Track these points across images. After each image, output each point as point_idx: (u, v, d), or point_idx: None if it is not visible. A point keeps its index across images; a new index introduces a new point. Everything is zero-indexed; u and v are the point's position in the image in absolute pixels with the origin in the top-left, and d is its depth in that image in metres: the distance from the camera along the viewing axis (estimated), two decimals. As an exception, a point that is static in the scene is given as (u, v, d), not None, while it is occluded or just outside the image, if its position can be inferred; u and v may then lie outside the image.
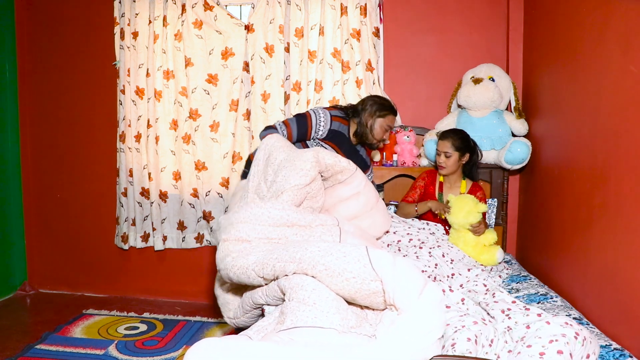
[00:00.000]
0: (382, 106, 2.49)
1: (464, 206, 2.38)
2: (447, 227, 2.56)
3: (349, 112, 2.53)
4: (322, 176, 2.02)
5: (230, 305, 1.94)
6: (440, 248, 2.26)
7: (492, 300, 1.76)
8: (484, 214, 2.46)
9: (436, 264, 2.15)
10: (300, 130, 2.40)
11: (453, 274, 2.15)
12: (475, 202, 2.40)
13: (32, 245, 3.84)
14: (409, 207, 2.66)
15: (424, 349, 1.21)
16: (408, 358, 1.19)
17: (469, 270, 2.18)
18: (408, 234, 2.39)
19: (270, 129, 2.42)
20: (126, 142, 3.49)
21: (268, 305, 1.62)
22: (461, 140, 2.58)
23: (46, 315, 3.35)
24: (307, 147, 2.46)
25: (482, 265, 2.37)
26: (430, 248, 2.25)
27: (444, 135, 2.62)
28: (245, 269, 1.58)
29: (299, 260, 1.44)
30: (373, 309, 1.49)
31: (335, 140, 2.48)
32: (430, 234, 2.46)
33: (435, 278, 2.04)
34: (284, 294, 1.45)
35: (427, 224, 2.56)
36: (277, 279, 1.53)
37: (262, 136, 2.35)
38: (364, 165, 2.64)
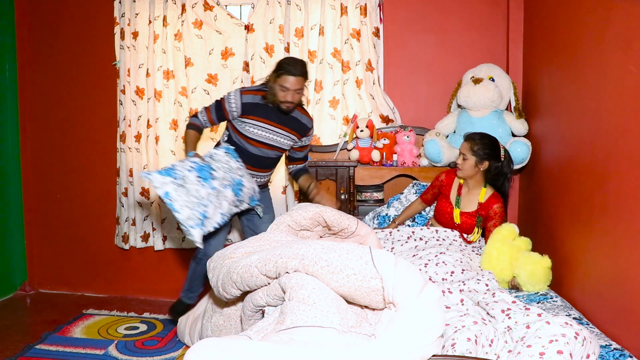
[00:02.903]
0: (279, 66, 2.53)
1: (537, 278, 2.15)
2: (462, 234, 2.53)
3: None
4: (330, 230, 2.20)
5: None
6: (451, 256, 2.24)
7: (492, 300, 1.76)
8: None
9: (453, 272, 2.15)
10: (217, 112, 2.61)
11: (463, 270, 2.16)
12: (545, 281, 2.18)
13: (32, 245, 3.84)
14: (414, 206, 2.76)
15: (423, 347, 1.21)
16: (407, 356, 1.18)
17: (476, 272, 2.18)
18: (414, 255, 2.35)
19: (195, 118, 2.66)
20: (126, 142, 3.49)
21: (268, 305, 1.62)
22: (482, 146, 2.45)
23: (46, 315, 3.35)
24: (234, 126, 2.66)
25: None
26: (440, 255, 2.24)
27: (467, 137, 2.51)
28: (249, 267, 1.60)
29: (302, 257, 1.45)
30: (372, 309, 1.49)
31: (256, 113, 2.59)
32: (439, 245, 2.44)
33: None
34: (285, 293, 1.45)
35: (437, 231, 2.54)
36: (279, 276, 1.53)
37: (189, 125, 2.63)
38: (304, 129, 2.74)
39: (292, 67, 2.50)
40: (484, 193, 2.51)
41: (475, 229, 2.51)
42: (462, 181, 2.58)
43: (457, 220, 2.54)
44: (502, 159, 2.48)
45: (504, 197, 2.52)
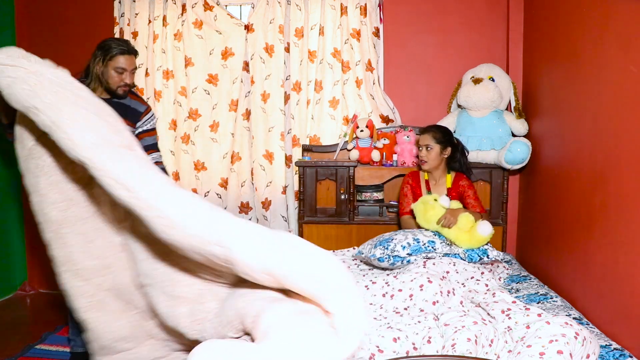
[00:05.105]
0: (107, 49, 2.23)
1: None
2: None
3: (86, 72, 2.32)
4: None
5: None
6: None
7: (492, 300, 1.76)
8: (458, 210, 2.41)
9: (448, 271, 2.15)
10: None
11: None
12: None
13: (32, 245, 3.84)
14: (410, 223, 2.59)
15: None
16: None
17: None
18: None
19: None
20: (126, 142, 3.48)
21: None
22: (442, 134, 2.58)
23: (46, 315, 3.35)
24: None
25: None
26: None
27: (424, 130, 2.63)
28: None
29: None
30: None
31: None
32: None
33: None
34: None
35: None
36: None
37: None
38: (136, 114, 2.39)
39: (123, 45, 2.25)
40: (450, 178, 2.62)
41: None
42: (426, 176, 2.66)
43: None
44: (457, 145, 2.63)
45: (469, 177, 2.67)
